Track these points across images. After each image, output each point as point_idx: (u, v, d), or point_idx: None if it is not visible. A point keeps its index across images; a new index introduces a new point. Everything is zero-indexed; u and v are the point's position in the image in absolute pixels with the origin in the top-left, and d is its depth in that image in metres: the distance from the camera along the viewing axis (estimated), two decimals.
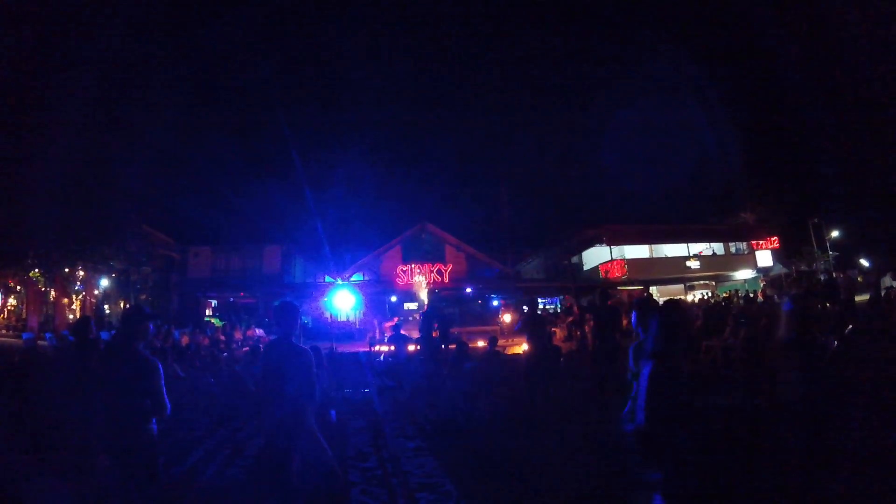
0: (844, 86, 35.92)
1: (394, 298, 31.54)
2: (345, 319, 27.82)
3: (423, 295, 27.41)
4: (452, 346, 11.13)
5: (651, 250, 32.82)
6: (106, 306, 25.41)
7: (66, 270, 22.98)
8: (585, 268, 34.23)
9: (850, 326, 12.00)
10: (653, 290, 31.62)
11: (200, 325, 21.50)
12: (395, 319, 17.83)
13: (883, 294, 14.93)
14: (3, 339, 21.02)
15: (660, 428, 3.80)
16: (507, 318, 24.59)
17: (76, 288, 24.44)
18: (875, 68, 30.33)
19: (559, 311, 28.01)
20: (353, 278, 32.90)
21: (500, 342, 17.07)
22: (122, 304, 25.14)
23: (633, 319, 4.04)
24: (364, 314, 28.43)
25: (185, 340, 16.30)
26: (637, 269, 31.21)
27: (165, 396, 3.46)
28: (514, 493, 5.07)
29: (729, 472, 5.21)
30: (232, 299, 30.41)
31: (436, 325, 10.78)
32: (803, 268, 32.92)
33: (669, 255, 32.83)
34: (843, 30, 31.78)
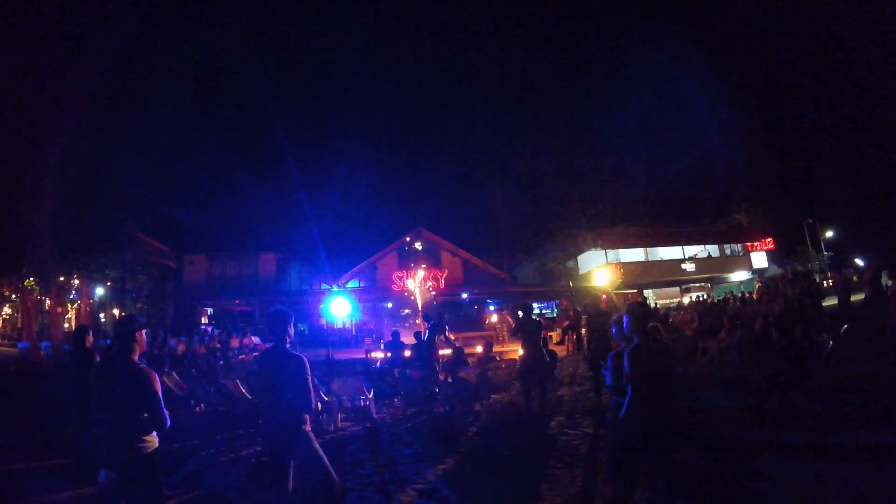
0: (840, 86, 36.14)
1: (390, 305, 31.54)
2: (341, 326, 27.81)
3: (419, 301, 27.41)
4: (449, 351, 11.15)
5: (646, 253, 32.89)
6: (101, 315, 25.34)
7: (62, 279, 22.91)
8: (581, 272, 34.28)
9: (846, 326, 12.04)
10: (648, 293, 31.69)
11: (198, 333, 21.45)
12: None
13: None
14: None
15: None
16: (502, 322, 24.60)
17: (72, 297, 24.37)
18: (872, 68, 30.52)
19: (556, 315, 28.04)
20: (349, 285, 32.90)
21: (496, 347, 17.11)
22: (117, 313, 25.09)
23: (625, 324, 4.07)
24: (360, 321, 28.42)
25: (180, 349, 16.26)
26: (632, 273, 31.28)
27: (164, 409, 3.43)
28: (512, 497, 5.08)
29: (726, 471, 5.23)
30: (228, 307, 30.35)
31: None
32: (798, 268, 33.05)
33: (665, 257, 32.91)
34: (841, 28, 31.99)
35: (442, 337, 10.89)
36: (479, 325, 28.13)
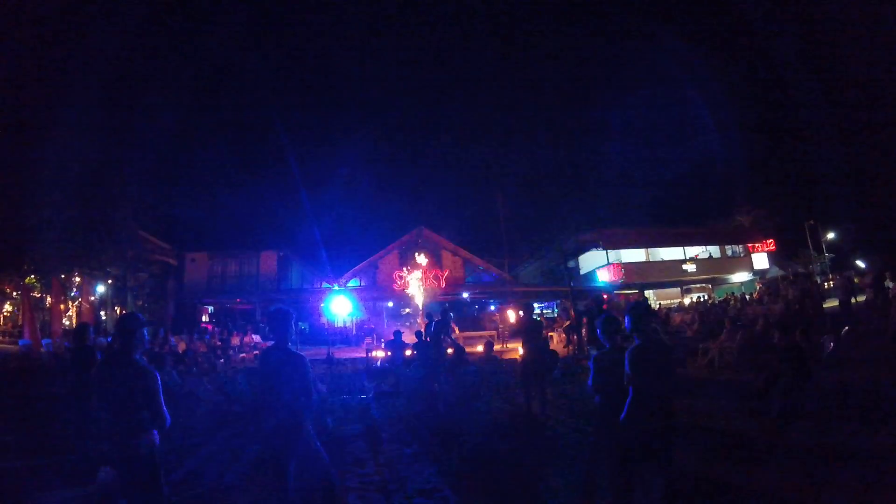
0: (842, 86, 36.07)
1: (390, 304, 31.54)
2: (342, 325, 27.80)
3: (420, 300, 27.41)
4: (450, 350, 11.15)
5: (647, 254, 32.86)
6: (102, 312, 25.35)
7: (63, 277, 22.92)
8: (582, 272, 34.25)
9: (846, 328, 12.05)
10: (649, 293, 31.66)
11: (199, 331, 21.47)
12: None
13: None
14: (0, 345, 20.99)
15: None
16: (504, 322, 24.60)
17: (73, 294, 24.39)
18: (874, 68, 30.47)
19: (557, 315, 28.04)
20: (350, 284, 32.89)
21: (497, 347, 17.12)
22: (118, 311, 25.11)
23: (626, 324, 4.06)
24: (361, 320, 28.41)
25: (181, 346, 16.27)
26: (634, 273, 31.26)
27: (164, 408, 3.44)
28: (512, 497, 5.08)
29: (726, 474, 5.23)
30: (229, 305, 30.37)
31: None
32: (799, 269, 33.00)
33: (666, 258, 32.87)
34: (842, 29, 31.94)
35: (447, 338, 10.88)
36: (480, 324, 28.14)
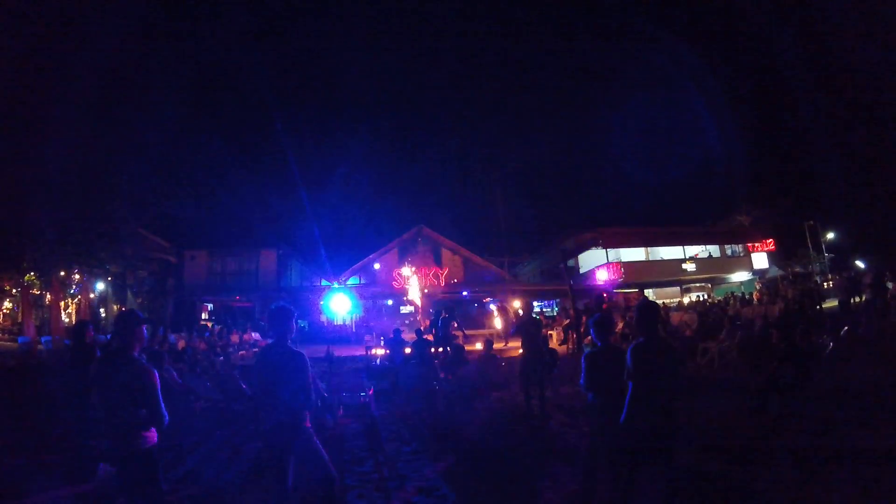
0: (842, 87, 36.09)
1: (390, 302, 31.55)
2: (341, 323, 27.80)
3: (419, 299, 27.43)
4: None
5: (647, 253, 32.79)
6: (102, 310, 25.34)
7: (63, 274, 22.89)
8: (582, 271, 34.20)
9: (846, 328, 12.05)
10: (649, 293, 31.63)
11: (198, 329, 21.44)
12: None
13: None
14: None
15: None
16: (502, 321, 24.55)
17: (72, 292, 24.36)
18: (873, 69, 30.48)
19: (556, 314, 28.04)
20: (350, 282, 32.90)
21: (496, 345, 17.10)
22: (117, 308, 25.08)
23: (635, 321, 4.07)
24: (360, 317, 28.41)
25: (181, 344, 16.23)
26: (633, 272, 31.21)
27: (162, 406, 3.44)
28: (511, 496, 5.08)
29: (725, 475, 5.23)
30: (228, 303, 30.36)
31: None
32: (798, 269, 33.01)
33: (665, 257, 32.81)
34: (842, 29, 31.94)
35: (454, 323, 10.86)
36: (479, 323, 28.14)
